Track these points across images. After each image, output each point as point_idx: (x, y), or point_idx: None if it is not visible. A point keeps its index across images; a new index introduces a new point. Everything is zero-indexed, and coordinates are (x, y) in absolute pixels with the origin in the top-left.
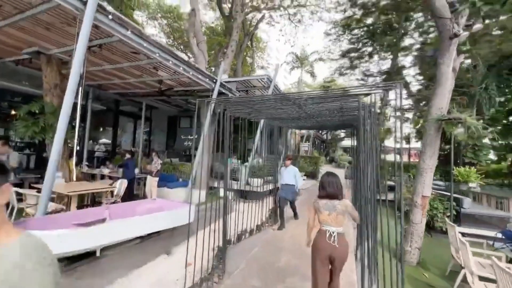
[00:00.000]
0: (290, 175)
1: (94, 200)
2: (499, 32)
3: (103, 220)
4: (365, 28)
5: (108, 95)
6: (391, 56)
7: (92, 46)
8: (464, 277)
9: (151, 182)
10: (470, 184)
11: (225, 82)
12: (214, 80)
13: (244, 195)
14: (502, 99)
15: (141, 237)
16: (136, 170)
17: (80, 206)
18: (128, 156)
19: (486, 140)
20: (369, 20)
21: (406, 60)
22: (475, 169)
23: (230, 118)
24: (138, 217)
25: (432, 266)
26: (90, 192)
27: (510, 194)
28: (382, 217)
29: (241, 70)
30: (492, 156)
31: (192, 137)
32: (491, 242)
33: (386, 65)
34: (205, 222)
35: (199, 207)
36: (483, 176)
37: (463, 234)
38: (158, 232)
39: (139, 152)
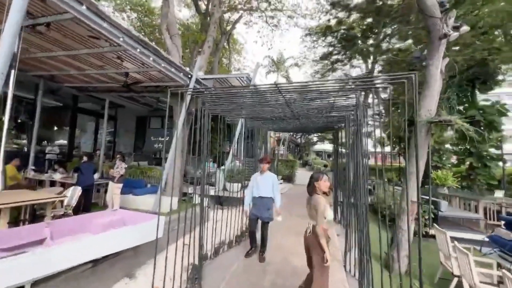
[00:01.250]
0: (267, 183)
1: (34, 213)
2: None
3: (41, 242)
4: (346, 31)
5: (64, 89)
6: (370, 60)
7: (38, 24)
8: (457, 285)
9: (113, 189)
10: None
11: (202, 79)
12: (189, 76)
13: (221, 201)
14: (461, 107)
15: (94, 260)
16: (96, 175)
17: (15, 223)
18: (84, 159)
19: (448, 146)
20: (347, 25)
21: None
22: (451, 173)
23: (208, 114)
24: (91, 236)
25: (417, 271)
26: (28, 203)
27: (470, 195)
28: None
29: (218, 70)
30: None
31: (163, 139)
32: (478, 247)
33: (363, 71)
34: (177, 235)
35: (170, 217)
36: (460, 179)
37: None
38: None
39: (100, 155)
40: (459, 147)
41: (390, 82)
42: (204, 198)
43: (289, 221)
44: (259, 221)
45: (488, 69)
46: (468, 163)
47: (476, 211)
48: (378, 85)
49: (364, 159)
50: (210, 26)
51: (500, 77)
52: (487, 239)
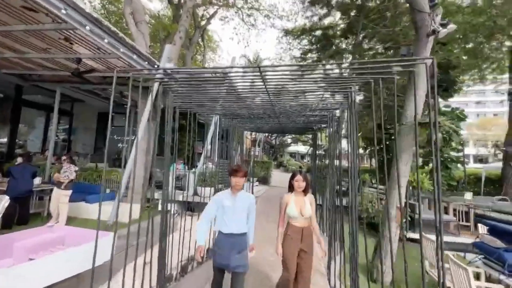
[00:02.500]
0: (242, 211)
1: None
2: None
3: None
4: (324, 31)
5: (1, 76)
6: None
7: None
8: None
9: (59, 197)
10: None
11: (171, 71)
12: (156, 66)
13: (191, 207)
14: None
15: None
16: (37, 180)
17: None
18: (19, 160)
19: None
20: (325, 26)
21: None
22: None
23: (173, 107)
24: (11, 266)
25: (402, 282)
26: None
27: (431, 195)
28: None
29: (191, 66)
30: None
31: (128, 138)
32: (462, 254)
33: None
34: (124, 255)
35: (114, 233)
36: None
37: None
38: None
39: (48, 155)
40: (424, 149)
41: (403, 70)
42: (171, 204)
43: (266, 228)
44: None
45: (450, 77)
46: (431, 165)
47: (446, 212)
48: (375, 74)
49: (356, 160)
50: (182, 15)
51: (458, 86)
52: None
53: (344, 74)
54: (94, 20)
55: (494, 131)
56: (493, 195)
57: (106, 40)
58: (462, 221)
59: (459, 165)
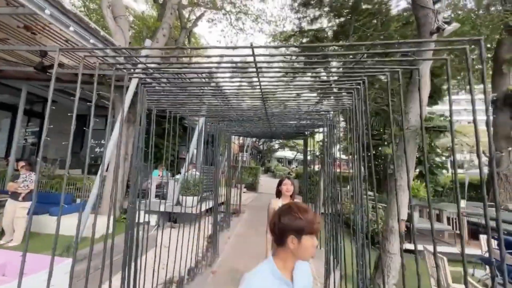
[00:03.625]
0: None
1: None
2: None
3: None
4: (316, 32)
5: None
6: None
7: None
8: None
9: (16, 209)
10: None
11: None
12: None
13: (173, 218)
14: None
15: None
16: None
17: None
18: None
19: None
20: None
21: None
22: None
23: (150, 109)
24: None
25: None
26: None
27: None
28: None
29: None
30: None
31: (105, 142)
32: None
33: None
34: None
35: (73, 256)
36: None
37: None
38: None
39: (10, 161)
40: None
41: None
42: (148, 215)
43: (260, 242)
44: None
45: (435, 84)
46: (418, 170)
47: (439, 220)
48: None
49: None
50: (166, 12)
51: (442, 93)
52: (479, 261)
53: (332, 76)
54: (54, 3)
55: (468, 138)
56: (477, 201)
57: (71, 29)
58: (457, 229)
59: (444, 171)
